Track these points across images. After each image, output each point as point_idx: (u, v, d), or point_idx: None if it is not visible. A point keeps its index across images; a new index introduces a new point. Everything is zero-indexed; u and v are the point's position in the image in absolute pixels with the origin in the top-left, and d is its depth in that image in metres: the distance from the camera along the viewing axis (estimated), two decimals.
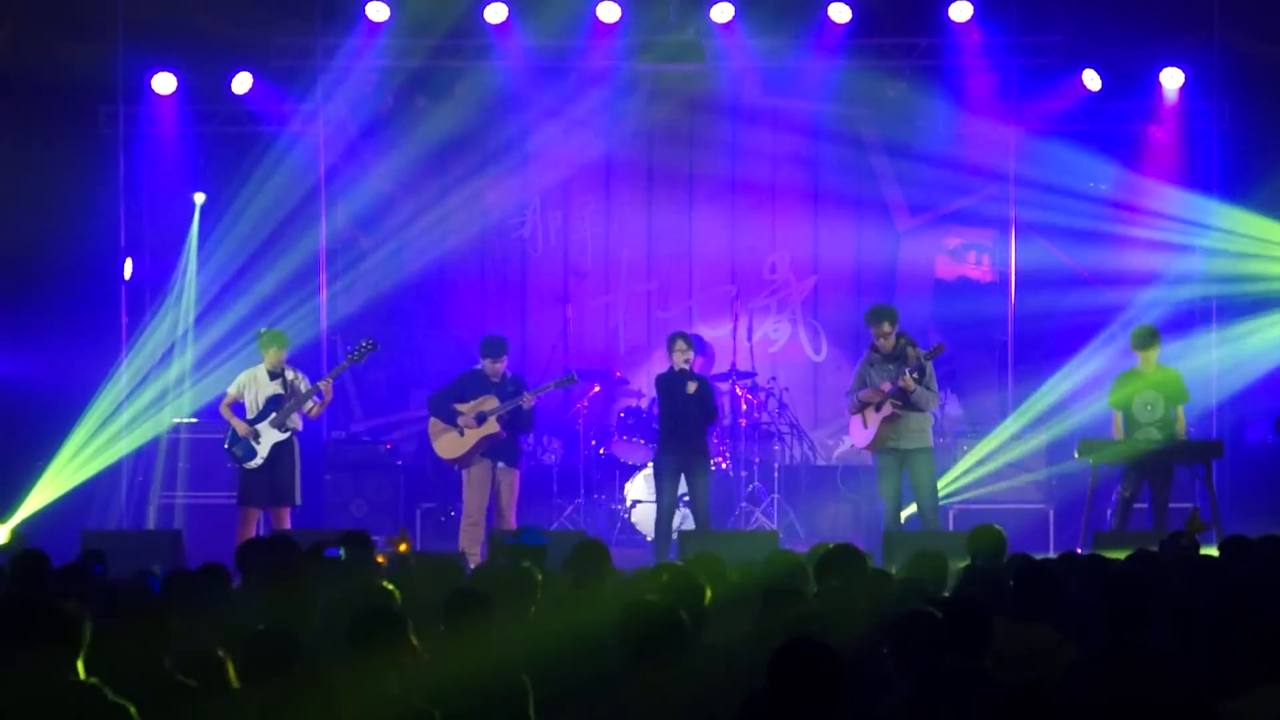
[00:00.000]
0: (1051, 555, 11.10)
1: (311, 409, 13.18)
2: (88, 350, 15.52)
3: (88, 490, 14.94)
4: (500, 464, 13.31)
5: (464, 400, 13.25)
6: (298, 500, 13.16)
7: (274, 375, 13.18)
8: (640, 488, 14.97)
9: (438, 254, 16.52)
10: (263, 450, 13.07)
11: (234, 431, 13.15)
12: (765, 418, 15.67)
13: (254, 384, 13.21)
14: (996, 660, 6.31)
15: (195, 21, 15.39)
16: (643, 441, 15.05)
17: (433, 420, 13.41)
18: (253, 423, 13.10)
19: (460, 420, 13.21)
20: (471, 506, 13.29)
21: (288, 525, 12.95)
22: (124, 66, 15.55)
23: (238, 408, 13.17)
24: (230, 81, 15.71)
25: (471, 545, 12.95)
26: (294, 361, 13.68)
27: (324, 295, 16.12)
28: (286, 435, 13.13)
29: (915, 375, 12.78)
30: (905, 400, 12.82)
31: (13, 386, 15.18)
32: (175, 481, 14.79)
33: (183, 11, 15.36)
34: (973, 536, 8.98)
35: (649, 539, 14.47)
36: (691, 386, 13.00)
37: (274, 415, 13.10)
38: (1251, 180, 15.55)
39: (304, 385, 13.18)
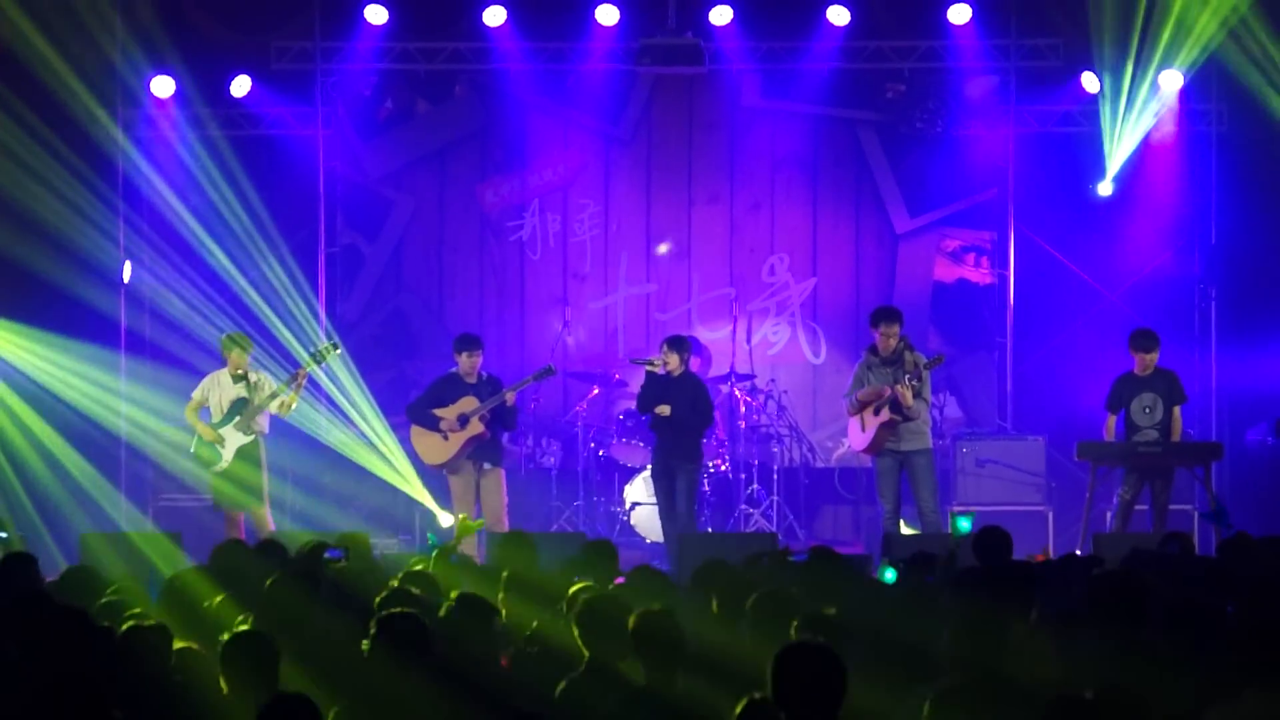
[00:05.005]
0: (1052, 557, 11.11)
1: (285, 404, 13.05)
2: (86, 353, 15.50)
3: (87, 492, 14.91)
4: (485, 464, 13.34)
5: (443, 405, 13.25)
6: (265, 502, 13.11)
7: (237, 378, 13.14)
8: (639, 490, 14.96)
9: (437, 257, 16.53)
10: (227, 454, 13.05)
11: (200, 436, 13.14)
12: (764, 420, 15.67)
13: (217, 388, 13.18)
14: None
15: (194, 25, 15.37)
16: (642, 444, 15.04)
17: (414, 428, 13.41)
18: (217, 426, 13.08)
19: (443, 424, 13.19)
20: (461, 511, 13.30)
21: (270, 526, 12.92)
22: (123, 70, 15.55)
23: (203, 413, 13.15)
24: (229, 85, 15.70)
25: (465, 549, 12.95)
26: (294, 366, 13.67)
27: (323, 299, 16.12)
28: (251, 438, 13.10)
29: (914, 382, 12.78)
30: (901, 412, 12.83)
31: (11, 389, 15.14)
32: (175, 484, 14.77)
33: (181, 15, 15.34)
34: (979, 539, 8.98)
35: (648, 541, 14.54)
36: (664, 410, 13.11)
37: (238, 418, 13.07)
38: (1249, 182, 15.56)
39: (268, 387, 13.14)
